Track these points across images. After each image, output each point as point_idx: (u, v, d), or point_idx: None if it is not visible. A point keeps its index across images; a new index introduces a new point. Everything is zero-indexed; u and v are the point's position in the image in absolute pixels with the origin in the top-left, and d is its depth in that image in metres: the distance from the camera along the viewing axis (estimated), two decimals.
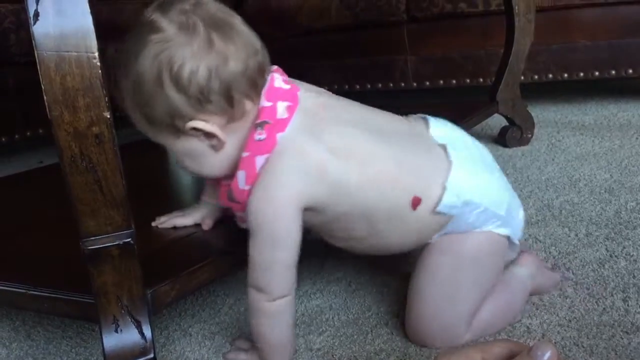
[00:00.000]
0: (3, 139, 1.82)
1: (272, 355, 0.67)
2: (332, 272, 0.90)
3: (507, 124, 1.53)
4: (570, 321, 0.70)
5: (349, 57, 2.05)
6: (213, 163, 0.65)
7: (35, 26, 0.45)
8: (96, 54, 0.47)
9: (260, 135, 0.62)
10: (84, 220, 0.51)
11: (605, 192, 1.10)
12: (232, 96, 0.61)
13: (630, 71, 1.72)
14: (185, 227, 0.76)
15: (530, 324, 0.71)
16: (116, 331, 0.54)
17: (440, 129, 0.70)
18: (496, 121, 1.63)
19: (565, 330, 0.69)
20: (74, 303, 0.57)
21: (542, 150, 1.43)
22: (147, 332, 0.55)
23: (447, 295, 0.68)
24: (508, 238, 0.70)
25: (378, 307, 0.79)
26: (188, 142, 0.63)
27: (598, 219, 0.99)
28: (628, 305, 0.72)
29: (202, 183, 0.79)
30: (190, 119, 0.60)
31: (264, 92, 0.63)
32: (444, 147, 0.68)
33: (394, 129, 0.69)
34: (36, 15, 0.45)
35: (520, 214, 0.72)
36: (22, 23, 1.80)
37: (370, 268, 0.90)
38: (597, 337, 0.66)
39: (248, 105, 0.62)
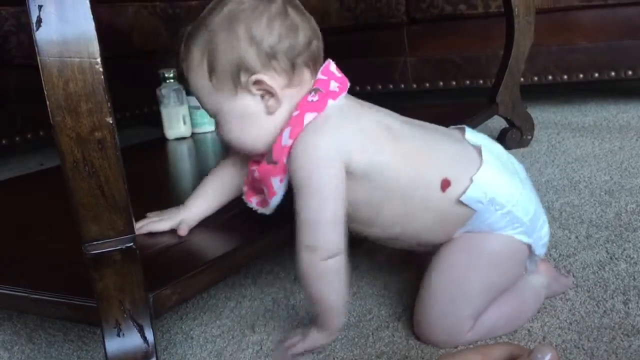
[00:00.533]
0: (3, 141, 1.81)
1: (332, 317, 0.67)
2: None
3: (507, 125, 1.54)
4: (570, 324, 0.70)
5: (348, 58, 2.04)
6: (259, 129, 0.68)
7: (38, 32, 0.45)
8: (98, 60, 0.47)
9: (313, 97, 0.66)
10: (87, 225, 0.51)
11: (605, 194, 1.11)
12: (295, 61, 0.66)
13: (630, 73, 1.73)
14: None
15: (531, 326, 0.71)
16: (118, 335, 0.55)
17: (476, 136, 0.73)
18: (496, 123, 1.63)
19: (565, 332, 0.69)
20: (76, 307, 0.58)
21: (542, 151, 1.44)
22: (150, 336, 0.55)
23: (457, 294, 0.69)
24: (529, 247, 0.70)
25: (379, 310, 0.79)
26: (244, 101, 0.67)
27: (598, 221, 0.99)
28: (628, 307, 0.72)
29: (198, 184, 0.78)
30: (255, 73, 0.65)
31: (320, 69, 0.69)
32: (478, 148, 0.70)
33: (431, 126, 0.74)
34: (39, 21, 0.45)
35: (545, 229, 0.72)
36: (22, 26, 1.80)
37: (370, 271, 0.90)
38: (597, 339, 0.67)
39: (306, 74, 0.68)
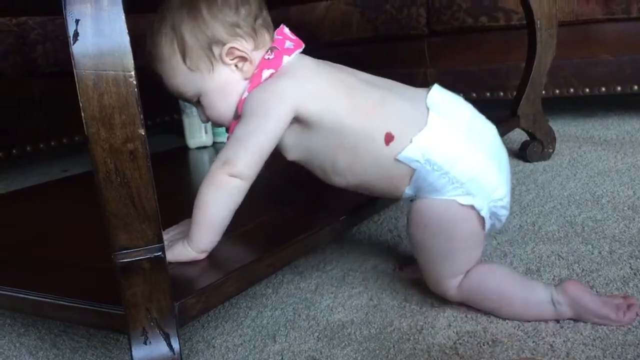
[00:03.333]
0: (28, 148, 1.85)
1: (204, 232, 0.68)
2: (353, 286, 0.91)
3: (528, 138, 1.53)
4: (594, 340, 0.70)
5: (369, 69, 2.05)
6: (237, 95, 0.73)
7: (74, 46, 0.46)
8: (133, 73, 0.48)
9: (270, 55, 0.74)
10: (117, 234, 0.52)
11: (628, 209, 1.10)
12: (255, 26, 0.74)
13: None
14: None
15: (553, 342, 0.71)
16: (145, 343, 0.55)
17: (440, 96, 0.75)
18: (517, 135, 1.62)
19: (589, 349, 0.68)
20: (104, 314, 0.58)
21: (564, 165, 1.43)
22: (175, 344, 0.56)
23: (427, 260, 0.78)
24: (474, 209, 0.74)
25: (400, 322, 0.79)
26: (221, 74, 0.73)
27: (621, 236, 0.98)
28: None
29: None
30: (227, 43, 0.72)
31: (275, 32, 0.77)
32: (427, 109, 0.73)
33: (389, 84, 0.79)
34: (75, 35, 0.46)
35: (499, 192, 0.74)
36: (48, 34, 1.84)
37: (391, 283, 0.90)
38: (621, 356, 0.66)
39: (266, 36, 0.75)
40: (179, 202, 0.96)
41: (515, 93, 1.52)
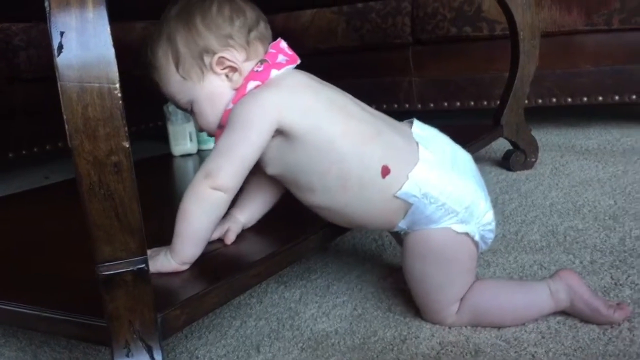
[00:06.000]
0: (10, 155, 1.83)
1: (186, 243, 0.68)
2: (337, 296, 0.91)
3: (511, 147, 1.54)
4: (575, 350, 0.71)
5: (354, 78, 2.07)
6: (225, 107, 0.74)
7: (59, 58, 0.46)
8: (117, 85, 0.48)
9: (259, 68, 0.74)
10: (100, 246, 0.51)
11: (609, 218, 1.11)
12: (248, 37, 0.74)
13: (634, 97, 1.74)
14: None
15: (535, 352, 0.71)
16: (127, 356, 0.55)
17: (422, 130, 0.78)
18: (500, 145, 1.64)
19: (570, 359, 0.69)
20: (86, 326, 0.58)
21: (546, 174, 1.44)
22: (158, 357, 0.56)
23: (426, 290, 0.78)
24: (468, 235, 0.76)
25: (384, 332, 0.79)
26: (212, 83, 0.74)
27: (602, 246, 0.99)
28: (633, 335, 0.72)
29: None
30: (217, 53, 0.73)
31: (270, 45, 0.76)
32: (417, 144, 0.75)
33: (383, 116, 0.79)
34: (60, 47, 0.46)
35: (487, 217, 0.77)
36: (31, 41, 1.82)
37: (375, 294, 0.90)
38: None
39: (260, 48, 0.75)
40: (162, 212, 0.96)
41: (498, 102, 1.54)
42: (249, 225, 0.82)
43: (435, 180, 0.73)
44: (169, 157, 1.51)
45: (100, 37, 0.47)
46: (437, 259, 0.76)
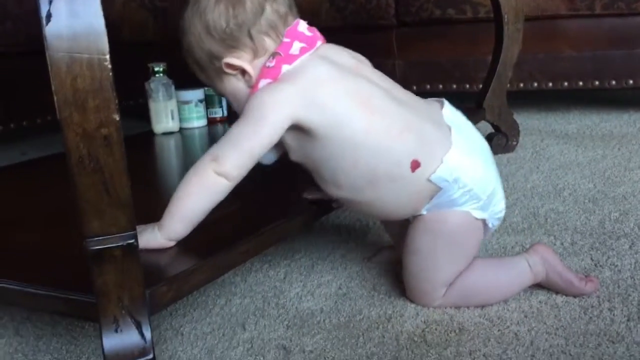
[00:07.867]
0: None
1: (177, 221, 0.68)
2: (322, 275, 0.91)
3: (493, 130, 1.55)
4: (557, 329, 0.72)
5: None
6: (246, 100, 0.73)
7: (47, 27, 0.45)
8: (107, 56, 0.47)
9: (270, 63, 0.72)
10: (89, 221, 0.51)
11: (589, 201, 1.13)
12: (251, 34, 0.71)
13: (614, 82, 1.76)
14: None
15: (518, 330, 0.73)
16: (116, 331, 0.55)
17: (452, 112, 0.78)
18: (482, 127, 1.65)
19: (552, 337, 0.70)
20: (73, 302, 0.57)
21: (527, 158, 1.46)
22: (147, 332, 0.56)
23: (426, 268, 0.77)
24: (484, 222, 0.77)
25: (369, 311, 0.80)
26: (230, 82, 0.74)
27: (583, 228, 1.01)
28: (614, 314, 0.74)
29: None
30: (223, 58, 0.72)
31: (285, 32, 0.72)
32: (449, 128, 0.74)
33: (409, 98, 0.77)
34: (48, 16, 0.45)
35: (500, 205, 0.78)
36: (8, 13, 1.78)
37: (361, 273, 0.91)
38: (584, 345, 0.68)
39: (268, 42, 0.72)
40: (145, 190, 0.95)
41: (481, 86, 1.55)
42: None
43: (467, 166, 0.73)
44: (150, 134, 1.49)
45: (91, 5, 0.46)
46: (449, 240, 0.76)
